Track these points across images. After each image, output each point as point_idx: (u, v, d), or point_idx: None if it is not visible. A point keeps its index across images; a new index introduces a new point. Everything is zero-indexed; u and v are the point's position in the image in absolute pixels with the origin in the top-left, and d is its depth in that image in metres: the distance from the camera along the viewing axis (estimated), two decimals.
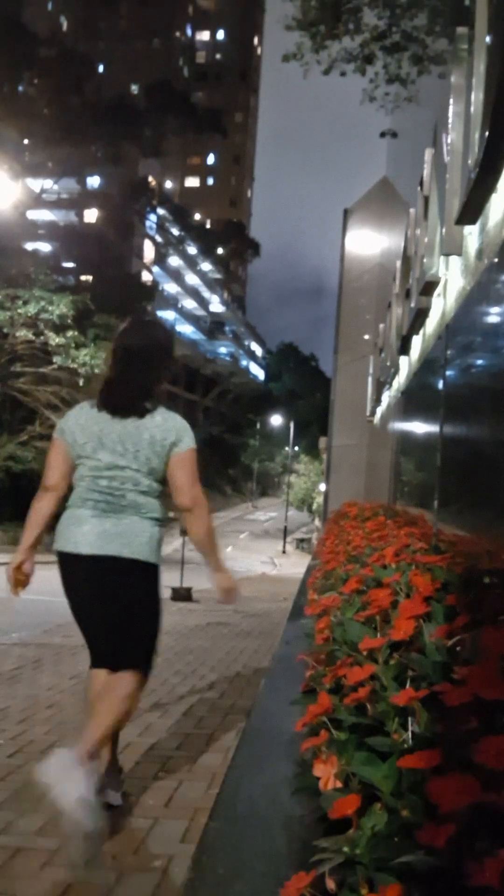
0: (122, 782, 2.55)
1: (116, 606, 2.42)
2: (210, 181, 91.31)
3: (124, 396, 2.46)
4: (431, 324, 3.53)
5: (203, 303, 66.03)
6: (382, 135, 11.61)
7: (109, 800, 2.35)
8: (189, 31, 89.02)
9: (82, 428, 2.48)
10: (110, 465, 2.42)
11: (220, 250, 52.55)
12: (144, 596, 2.46)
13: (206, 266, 61.73)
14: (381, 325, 6.88)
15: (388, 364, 5.80)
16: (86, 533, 2.40)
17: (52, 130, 28.04)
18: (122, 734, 2.65)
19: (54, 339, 22.39)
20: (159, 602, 2.50)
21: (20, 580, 2.57)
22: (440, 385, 3.11)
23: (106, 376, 2.55)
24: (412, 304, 3.66)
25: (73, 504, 2.50)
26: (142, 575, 2.42)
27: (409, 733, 1.02)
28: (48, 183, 32.32)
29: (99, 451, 2.44)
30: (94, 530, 2.39)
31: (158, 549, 2.47)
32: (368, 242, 12.99)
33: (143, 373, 2.48)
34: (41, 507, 2.55)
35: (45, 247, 31.73)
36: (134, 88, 64.18)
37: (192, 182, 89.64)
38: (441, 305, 3.14)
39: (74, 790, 1.98)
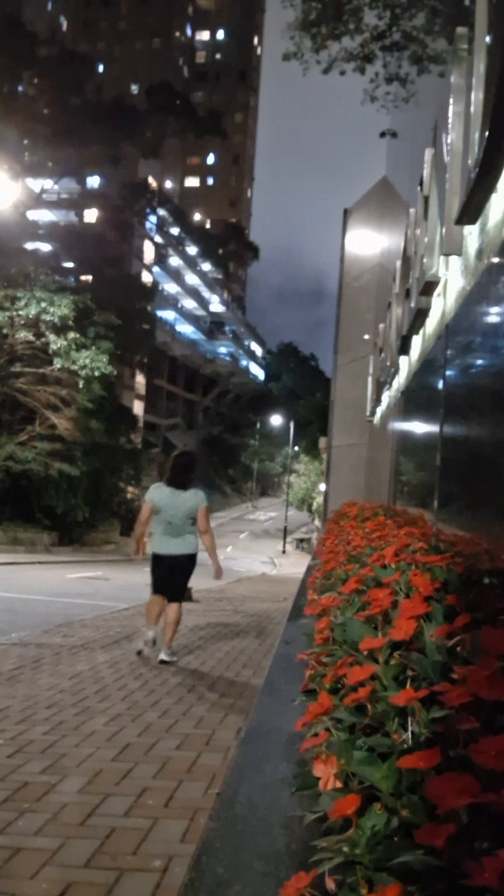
0: (174, 653, 5.54)
1: (175, 573, 5.56)
2: (210, 181, 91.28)
3: (180, 483, 5.54)
4: (431, 324, 3.53)
5: (203, 303, 65.99)
6: (382, 135, 11.59)
7: (164, 656, 5.38)
8: (189, 31, 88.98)
9: (160, 498, 5.52)
10: (176, 516, 5.48)
11: (219, 251, 52.52)
12: (189, 568, 5.63)
13: (205, 266, 61.67)
14: (381, 325, 6.88)
15: (388, 364, 5.80)
16: (167, 546, 5.54)
17: (52, 130, 27.97)
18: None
19: (55, 343, 22.34)
20: (194, 565, 5.66)
21: (143, 549, 5.87)
22: (440, 385, 3.11)
23: (170, 472, 5.60)
24: (412, 304, 3.66)
25: (157, 533, 5.56)
26: (191, 558, 5.60)
27: (409, 733, 1.02)
28: (48, 183, 32.25)
29: (171, 510, 5.47)
30: (170, 545, 5.52)
31: (194, 545, 5.57)
32: (368, 242, 12.98)
33: (187, 472, 5.60)
34: (141, 531, 5.73)
35: (45, 247, 31.69)
36: (134, 89, 64.15)
37: (192, 182, 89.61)
38: (441, 305, 3.14)
39: (146, 639, 5.59)
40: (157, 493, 5.50)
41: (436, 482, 3.14)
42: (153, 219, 44.11)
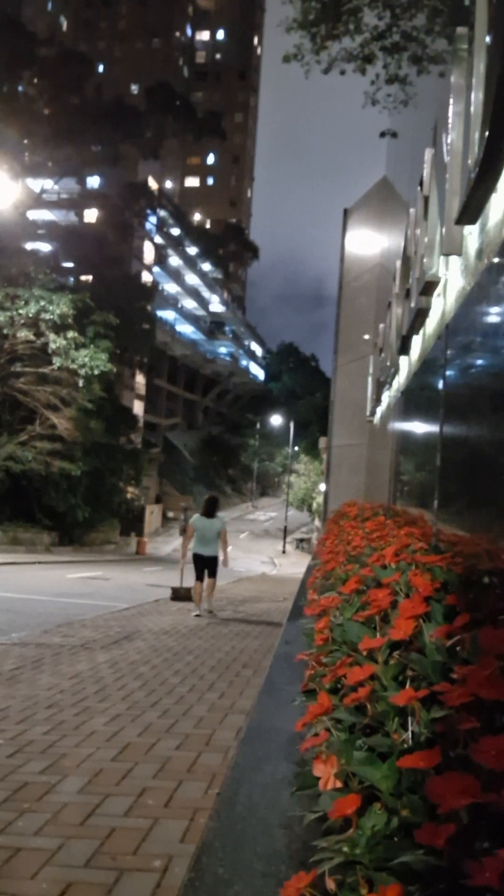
0: (212, 609, 9.42)
1: (208, 565, 9.21)
2: (210, 181, 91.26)
3: (209, 514, 9.35)
4: (431, 324, 3.53)
5: (203, 303, 65.94)
6: (382, 135, 11.57)
7: (208, 611, 9.20)
8: (189, 31, 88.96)
9: (199, 523, 9.26)
10: (208, 533, 9.24)
11: (219, 251, 52.50)
12: (215, 562, 9.29)
13: (205, 266, 61.63)
14: (381, 325, 6.88)
15: (388, 364, 5.79)
16: (202, 550, 9.23)
17: (52, 130, 27.96)
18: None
19: (55, 341, 22.33)
20: (218, 561, 9.31)
21: (185, 554, 9.95)
22: (440, 385, 3.11)
23: (205, 507, 9.43)
24: (412, 304, 3.65)
25: (196, 541, 9.25)
26: (216, 558, 9.32)
27: (409, 733, 1.02)
28: (48, 183, 32.26)
29: (204, 530, 9.22)
30: (204, 549, 9.23)
31: (218, 550, 9.32)
32: (368, 242, 12.98)
33: (213, 508, 9.46)
34: (187, 541, 9.49)
35: (45, 247, 31.68)
36: (134, 89, 64.14)
37: (192, 182, 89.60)
38: (441, 305, 3.14)
39: (199, 610, 9.13)
40: (198, 520, 9.19)
41: (436, 482, 3.14)
42: (153, 219, 44.09)
